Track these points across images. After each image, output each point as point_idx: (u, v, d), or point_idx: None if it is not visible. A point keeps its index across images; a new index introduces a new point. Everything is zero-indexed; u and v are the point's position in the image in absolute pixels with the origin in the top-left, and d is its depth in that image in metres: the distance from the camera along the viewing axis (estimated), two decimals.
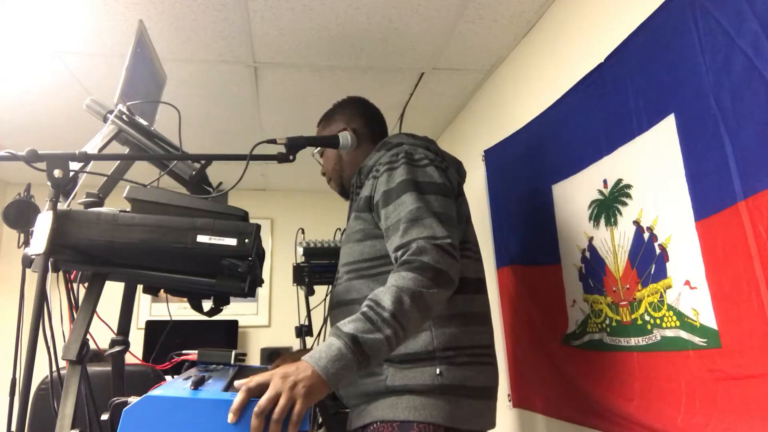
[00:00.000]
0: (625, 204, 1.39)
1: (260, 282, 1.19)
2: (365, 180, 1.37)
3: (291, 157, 1.19)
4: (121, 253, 0.99)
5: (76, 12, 1.81)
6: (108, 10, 1.80)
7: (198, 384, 0.92)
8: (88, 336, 0.99)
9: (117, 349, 1.25)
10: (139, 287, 1.35)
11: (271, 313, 4.01)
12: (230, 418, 0.86)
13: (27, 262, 0.97)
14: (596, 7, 1.57)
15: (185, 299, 1.25)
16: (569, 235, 1.63)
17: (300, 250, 1.77)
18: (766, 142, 0.98)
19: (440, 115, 2.77)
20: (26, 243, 1.03)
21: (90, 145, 1.17)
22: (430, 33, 1.98)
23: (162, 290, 1.22)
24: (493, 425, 1.27)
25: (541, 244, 1.78)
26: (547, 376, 1.72)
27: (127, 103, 1.23)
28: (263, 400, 0.88)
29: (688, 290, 1.17)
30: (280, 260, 4.03)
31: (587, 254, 1.54)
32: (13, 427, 0.89)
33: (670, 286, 1.22)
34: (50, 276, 0.94)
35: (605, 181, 1.46)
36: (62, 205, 0.98)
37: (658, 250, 1.26)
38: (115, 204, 1.07)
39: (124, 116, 1.22)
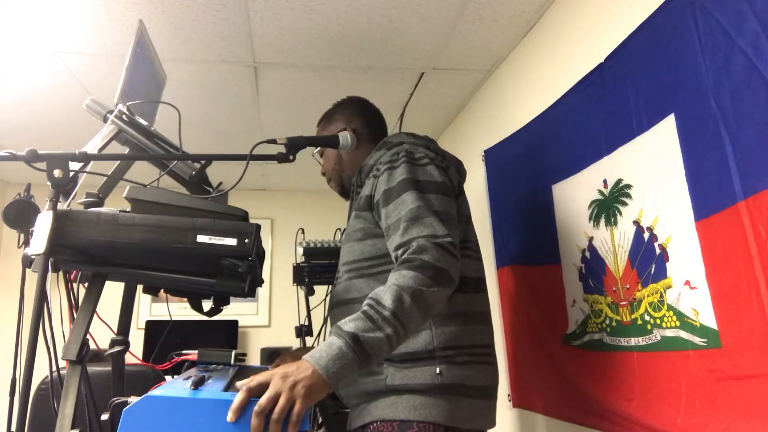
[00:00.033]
0: (625, 204, 1.39)
1: (260, 282, 1.19)
2: (366, 179, 1.37)
3: (291, 157, 1.19)
4: (121, 253, 0.99)
5: (76, 12, 1.81)
6: (108, 10, 1.80)
7: (198, 384, 0.92)
8: (88, 336, 0.99)
9: (117, 349, 1.25)
10: (139, 287, 1.35)
11: (271, 313, 4.01)
12: (230, 417, 0.86)
13: (27, 262, 0.97)
14: (596, 7, 1.57)
15: (185, 299, 1.25)
16: (569, 235, 1.63)
17: (300, 250, 1.77)
18: (766, 142, 0.98)
19: (440, 115, 2.77)
20: (26, 243, 1.03)
21: (90, 145, 1.17)
22: (430, 33, 1.98)
23: (162, 290, 1.22)
24: (493, 424, 1.27)
25: (541, 244, 1.78)
26: (547, 376, 1.72)
27: (127, 103, 1.23)
28: (263, 400, 0.88)
29: (688, 290, 1.17)
30: (280, 260, 4.03)
31: (587, 254, 1.54)
32: (13, 427, 0.89)
33: (670, 286, 1.22)
34: (50, 276, 0.94)
35: (605, 181, 1.46)
36: (62, 205, 0.98)
37: (658, 250, 1.26)
38: (115, 204, 1.07)
39: (124, 116, 1.22)
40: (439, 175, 1.26)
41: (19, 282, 1.05)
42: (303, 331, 1.80)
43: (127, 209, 1.03)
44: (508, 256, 2.01)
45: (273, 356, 3.30)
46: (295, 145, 1.19)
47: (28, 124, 2.70)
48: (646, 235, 1.30)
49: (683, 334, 1.18)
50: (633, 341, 1.34)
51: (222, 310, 1.28)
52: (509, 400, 1.98)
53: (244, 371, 1.15)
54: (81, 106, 1.30)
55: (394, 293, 1.03)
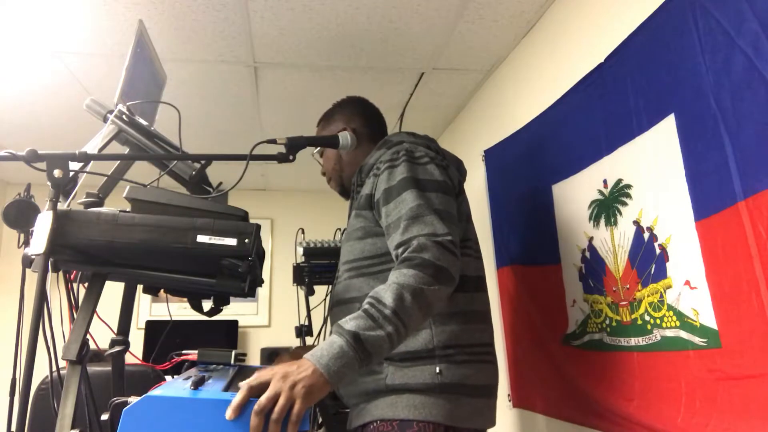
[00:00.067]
0: (625, 204, 1.39)
1: (260, 282, 1.19)
2: (366, 178, 1.37)
3: (291, 157, 1.19)
4: (121, 253, 0.99)
5: (76, 12, 1.81)
6: (108, 10, 1.80)
7: (198, 384, 0.92)
8: (88, 336, 0.99)
9: (117, 349, 1.25)
10: (139, 287, 1.35)
11: (271, 313, 4.01)
12: (229, 414, 0.85)
13: (27, 262, 0.97)
14: (596, 7, 1.57)
15: (185, 299, 1.25)
16: (569, 235, 1.63)
17: (300, 250, 1.77)
18: (766, 142, 0.98)
19: (440, 115, 2.77)
20: (26, 243, 1.03)
21: (90, 145, 1.17)
22: (430, 33, 1.98)
23: (162, 290, 1.22)
24: (493, 423, 1.27)
25: (541, 244, 1.78)
26: (547, 376, 1.72)
27: (127, 103, 1.23)
28: (262, 399, 0.88)
29: (688, 290, 1.17)
30: (280, 260, 4.03)
31: (587, 254, 1.54)
32: (13, 427, 0.89)
33: (670, 286, 1.22)
34: (50, 276, 0.94)
35: (605, 181, 1.46)
36: (62, 205, 0.98)
37: (658, 250, 1.26)
38: (115, 204, 1.07)
39: (124, 116, 1.22)
40: (439, 174, 1.26)
41: (19, 282, 1.05)
42: (303, 331, 1.80)
43: (127, 209, 1.03)
44: (508, 256, 2.01)
45: (273, 356, 3.30)
46: (295, 145, 1.19)
47: (28, 124, 2.70)
48: (646, 235, 1.30)
49: (683, 334, 1.18)
50: (633, 341, 1.34)
51: (222, 310, 1.28)
52: (509, 400, 1.98)
53: (244, 371, 1.15)
54: (81, 106, 1.30)
55: (395, 291, 1.03)
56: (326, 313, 1.47)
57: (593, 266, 1.51)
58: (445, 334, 1.22)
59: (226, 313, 1.79)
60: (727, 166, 1.06)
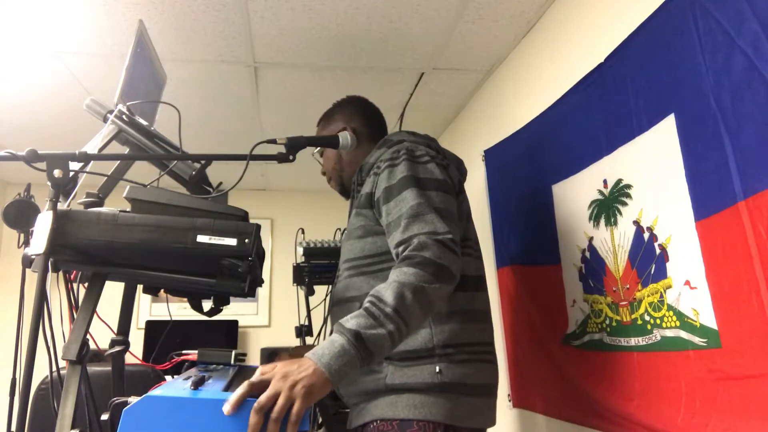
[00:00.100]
0: (625, 204, 1.39)
1: (260, 282, 1.19)
2: (366, 177, 1.37)
3: (291, 157, 1.19)
4: (121, 253, 0.99)
5: (76, 12, 1.81)
6: (108, 10, 1.80)
7: (198, 384, 0.92)
8: (88, 336, 0.99)
9: (117, 349, 1.25)
10: (139, 287, 1.35)
11: (271, 313, 4.01)
12: (226, 409, 0.85)
13: (27, 262, 0.97)
14: (596, 7, 1.57)
15: (185, 299, 1.25)
16: (569, 235, 1.63)
17: (300, 250, 1.77)
18: (766, 142, 0.98)
19: (440, 115, 2.77)
20: (26, 243, 1.03)
21: (90, 145, 1.17)
22: (430, 33, 1.98)
23: (162, 290, 1.22)
24: (493, 423, 1.27)
25: (541, 244, 1.78)
26: (547, 376, 1.72)
27: (127, 103, 1.23)
28: (262, 398, 0.87)
29: (688, 290, 1.17)
30: (280, 260, 4.03)
31: (587, 254, 1.54)
32: (13, 427, 0.89)
33: (670, 286, 1.22)
34: (50, 276, 0.94)
35: (605, 181, 1.46)
36: (62, 205, 0.98)
37: (658, 250, 1.26)
38: (115, 204, 1.07)
39: (124, 116, 1.22)
40: (439, 173, 1.27)
41: (19, 282, 1.05)
42: (303, 331, 1.80)
43: (127, 209, 1.03)
44: (508, 256, 2.01)
45: (273, 356, 3.30)
46: (295, 145, 1.19)
47: (28, 124, 2.70)
48: (646, 235, 1.30)
49: (683, 334, 1.18)
50: (633, 341, 1.34)
51: (222, 310, 1.28)
52: (509, 400, 1.98)
53: (244, 371, 1.15)
54: (81, 106, 1.30)
55: (396, 290, 1.03)
56: (326, 313, 1.47)
57: (593, 266, 1.51)
58: (445, 333, 1.22)
59: (226, 313, 1.79)
60: (727, 166, 1.06)
